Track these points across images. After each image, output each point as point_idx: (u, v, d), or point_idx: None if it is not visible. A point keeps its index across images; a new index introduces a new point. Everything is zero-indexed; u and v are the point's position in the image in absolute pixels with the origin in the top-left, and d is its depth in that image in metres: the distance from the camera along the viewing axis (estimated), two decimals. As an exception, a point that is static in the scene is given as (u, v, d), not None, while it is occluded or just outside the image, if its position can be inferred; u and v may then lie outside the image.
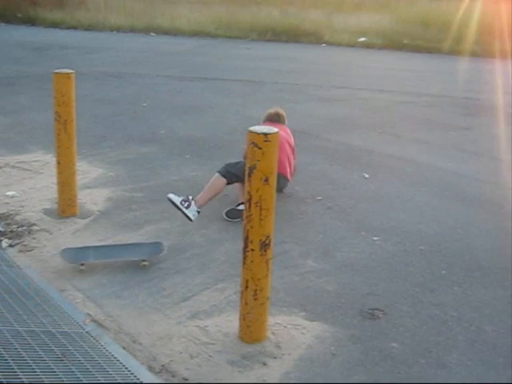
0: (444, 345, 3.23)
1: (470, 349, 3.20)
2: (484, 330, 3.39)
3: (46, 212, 4.87)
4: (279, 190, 5.09)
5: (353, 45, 18.87)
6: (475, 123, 8.96)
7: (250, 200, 2.84)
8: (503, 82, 12.53)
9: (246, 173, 2.83)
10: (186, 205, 4.66)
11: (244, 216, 2.92)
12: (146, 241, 4.34)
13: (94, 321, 3.32)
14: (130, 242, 4.34)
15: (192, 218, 4.64)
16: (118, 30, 20.71)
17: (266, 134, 2.75)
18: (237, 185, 5.07)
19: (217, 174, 4.93)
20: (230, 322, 3.32)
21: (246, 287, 3.02)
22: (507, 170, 6.58)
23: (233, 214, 4.91)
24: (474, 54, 16.70)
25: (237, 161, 5.06)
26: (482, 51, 16.93)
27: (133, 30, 20.61)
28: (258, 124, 2.84)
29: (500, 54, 16.42)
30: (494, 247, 4.54)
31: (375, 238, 4.58)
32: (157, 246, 4.16)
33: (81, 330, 3.20)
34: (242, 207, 4.77)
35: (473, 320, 3.49)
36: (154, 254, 4.07)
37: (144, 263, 3.97)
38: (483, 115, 9.55)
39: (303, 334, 3.27)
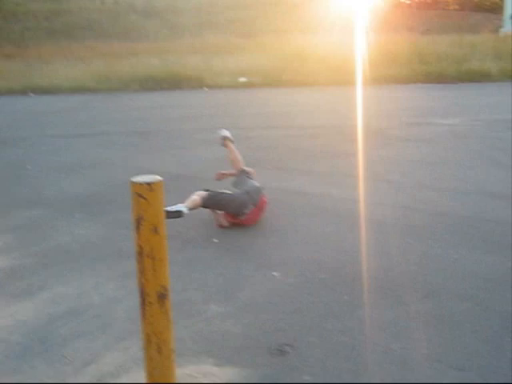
0: (355, 370, 3.25)
1: (380, 370, 3.24)
2: (391, 349, 3.45)
3: None
4: None
5: (234, 86, 19.20)
6: (359, 148, 9.26)
7: (141, 252, 2.77)
8: (379, 107, 13.08)
9: (134, 225, 2.76)
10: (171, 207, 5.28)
11: (137, 269, 2.84)
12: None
13: (-9, 402, 3.12)
14: (21, 312, 4.13)
15: (185, 210, 5.38)
16: (-6, 93, 20.11)
17: (149, 184, 2.69)
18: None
19: (200, 192, 5.66)
20: (138, 380, 3.20)
21: (149, 342, 2.92)
22: (393, 190, 6.81)
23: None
24: (351, 83, 17.38)
25: (221, 191, 5.77)
26: (356, 80, 17.66)
27: (10, 92, 20.04)
28: (147, 174, 2.79)
29: (372, 80, 17.19)
30: (391, 265, 4.65)
31: (275, 273, 4.59)
32: None
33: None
34: (176, 208, 5.39)
35: (379, 341, 3.54)
36: None
37: None
38: (365, 140, 9.90)
39: (214, 381, 3.20)
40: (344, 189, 6.97)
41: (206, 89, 19.24)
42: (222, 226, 5.75)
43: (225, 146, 6.55)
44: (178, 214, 5.41)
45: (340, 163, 8.34)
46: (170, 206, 5.28)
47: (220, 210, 5.80)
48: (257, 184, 6.04)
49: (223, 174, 6.51)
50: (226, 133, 6.59)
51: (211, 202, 5.73)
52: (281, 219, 5.91)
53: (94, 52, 26.51)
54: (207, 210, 5.83)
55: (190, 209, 5.53)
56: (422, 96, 16.33)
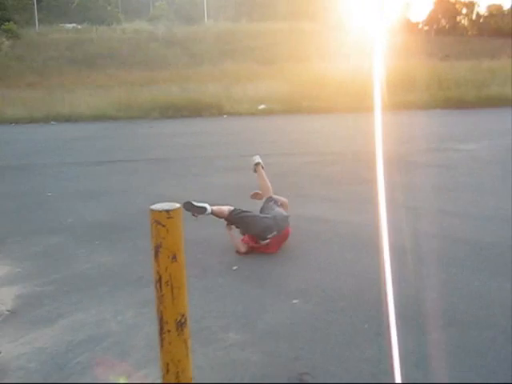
0: (375, 400, 3.20)
1: (401, 400, 3.19)
2: (414, 379, 3.39)
3: (-49, 319, 4.59)
4: None
5: (253, 113, 19.30)
6: (378, 175, 9.21)
7: (159, 280, 2.76)
8: (398, 133, 13.05)
9: (153, 253, 2.76)
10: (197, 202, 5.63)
11: (155, 297, 2.83)
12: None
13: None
14: (40, 339, 4.13)
15: (209, 209, 5.66)
16: (17, 121, 20.36)
17: (168, 211, 2.70)
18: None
19: (230, 208, 5.82)
20: (156, 409, 3.18)
21: (168, 371, 2.89)
22: (414, 217, 6.76)
23: (187, 206, 5.53)
24: (369, 109, 17.34)
25: (249, 211, 5.84)
26: (376, 105, 17.63)
27: (32, 120, 20.31)
28: (167, 201, 2.80)
29: (391, 106, 17.16)
30: (412, 293, 4.60)
31: (295, 301, 4.55)
32: None
33: None
34: (202, 204, 5.69)
35: (401, 370, 3.48)
36: None
37: None
38: (385, 166, 9.84)
39: (233, 410, 3.17)
40: (364, 215, 6.93)
41: (226, 116, 19.35)
42: (240, 252, 5.74)
43: (256, 171, 6.55)
44: (201, 210, 5.60)
45: (359, 189, 8.31)
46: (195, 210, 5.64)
47: (243, 228, 5.80)
48: (285, 213, 6.00)
49: (257, 194, 6.52)
50: (258, 159, 6.60)
51: (237, 218, 5.77)
52: (300, 246, 5.88)
53: (115, 80, 26.88)
54: (228, 235, 5.85)
55: (214, 213, 5.73)
56: (442, 121, 16.28)
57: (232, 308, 4.51)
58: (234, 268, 5.38)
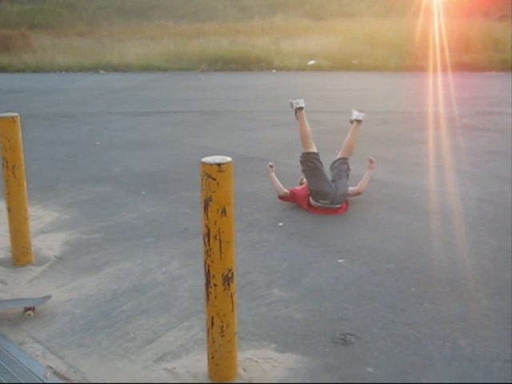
0: (420, 365, 3.15)
1: (447, 366, 3.13)
2: (459, 345, 3.32)
3: (0, 262, 4.67)
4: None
5: (303, 68, 19.06)
6: (429, 136, 9.04)
7: (208, 233, 2.73)
8: (450, 94, 12.72)
9: (202, 206, 2.72)
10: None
11: (203, 251, 2.81)
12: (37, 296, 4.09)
13: (55, 373, 3.15)
14: (86, 286, 4.18)
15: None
16: (67, 70, 20.53)
17: (219, 164, 2.65)
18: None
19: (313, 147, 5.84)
20: (199, 361, 3.18)
21: (212, 324, 2.90)
22: (464, 181, 6.61)
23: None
24: (421, 69, 16.98)
25: (321, 169, 5.72)
26: (428, 66, 17.23)
27: (82, 69, 20.45)
28: (214, 154, 2.75)
29: (443, 67, 16.73)
30: (460, 258, 4.50)
31: (340, 261, 4.50)
32: (42, 299, 3.96)
33: (42, 385, 3.04)
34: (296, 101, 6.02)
35: (447, 336, 3.42)
36: (39, 304, 3.88)
37: (29, 313, 3.77)
38: (436, 128, 9.65)
39: (275, 367, 3.15)
40: (412, 177, 6.80)
41: (274, 71, 19.15)
42: (279, 197, 5.80)
43: (298, 117, 5.99)
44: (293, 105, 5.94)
45: (409, 151, 8.15)
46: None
47: (304, 173, 5.78)
48: (347, 190, 5.74)
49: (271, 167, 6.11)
50: (302, 103, 6.02)
51: (307, 159, 5.74)
52: (349, 206, 5.79)
53: (164, 31, 26.71)
54: (273, 188, 5.89)
55: (300, 123, 5.89)
56: (496, 84, 15.79)
57: (277, 264, 4.48)
58: (280, 224, 5.35)
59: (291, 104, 6.05)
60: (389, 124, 10.13)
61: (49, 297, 3.97)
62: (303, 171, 5.80)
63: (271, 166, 6.03)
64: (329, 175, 5.77)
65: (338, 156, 6.02)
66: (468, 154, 7.91)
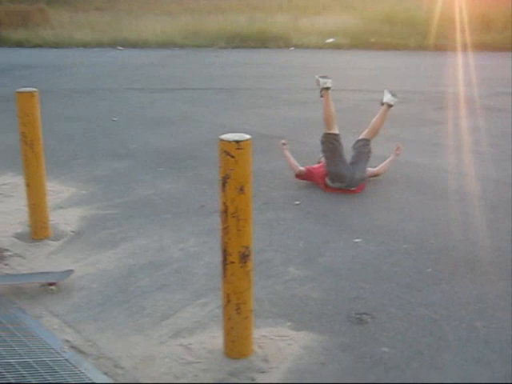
0: (436, 346, 3.14)
1: (463, 348, 3.12)
2: (475, 327, 3.31)
3: (18, 236, 4.70)
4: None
5: (321, 46, 18.90)
6: (447, 117, 8.95)
7: (225, 211, 2.73)
8: (470, 74, 12.57)
9: (220, 184, 2.72)
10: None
11: (220, 228, 2.81)
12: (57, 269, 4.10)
13: (72, 347, 3.18)
14: (103, 261, 4.21)
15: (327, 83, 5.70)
16: (85, 45, 20.51)
17: (237, 142, 2.64)
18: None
19: (335, 128, 5.69)
20: (215, 338, 3.20)
21: (228, 301, 2.90)
22: (483, 162, 6.55)
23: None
24: (440, 48, 16.78)
25: (340, 151, 5.65)
26: (447, 45, 17.01)
27: (99, 44, 20.42)
28: (231, 132, 2.74)
29: (463, 46, 16.50)
30: (478, 240, 4.47)
31: (357, 240, 4.49)
32: (65, 273, 3.98)
33: (59, 358, 3.07)
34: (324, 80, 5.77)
35: (463, 317, 3.41)
36: (62, 279, 3.90)
37: (52, 287, 3.80)
38: (455, 108, 9.55)
39: (290, 344, 3.16)
40: (430, 157, 6.75)
41: (293, 48, 19.02)
42: (295, 175, 5.79)
43: (323, 97, 5.76)
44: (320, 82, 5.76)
45: (428, 131, 8.09)
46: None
47: (324, 154, 5.70)
48: (364, 174, 5.70)
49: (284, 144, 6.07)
50: (330, 83, 5.78)
51: (328, 140, 5.65)
52: (366, 186, 5.76)
53: (182, 7, 26.55)
54: (289, 167, 5.85)
55: (325, 103, 5.69)
56: (517, 65, 15.57)
57: (293, 243, 4.48)
58: (297, 203, 5.33)
59: (318, 81, 5.79)
60: (406, 103, 10.02)
61: (71, 271, 3.99)
62: (322, 151, 5.72)
63: (284, 144, 5.99)
64: (349, 155, 5.72)
65: (362, 136, 5.94)
66: (487, 135, 7.82)
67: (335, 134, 5.66)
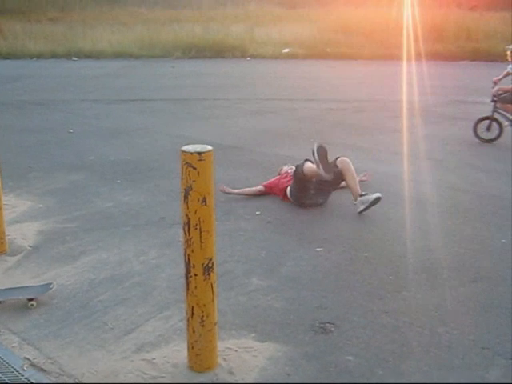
0: (399, 352, 3.16)
1: (426, 354, 3.15)
2: (437, 333, 3.35)
3: (-27, 252, 4.59)
4: None
5: (277, 56, 19.01)
6: (404, 125, 9.08)
7: (188, 223, 2.71)
8: (424, 83, 12.78)
9: (182, 196, 2.69)
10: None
11: (183, 240, 2.78)
12: (36, 284, 4.01)
13: (32, 365, 3.11)
14: (62, 276, 4.13)
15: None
16: (39, 56, 20.18)
17: (199, 153, 2.63)
18: None
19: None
20: (178, 351, 3.16)
21: (192, 314, 2.88)
22: (439, 169, 6.65)
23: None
24: (395, 58, 17.02)
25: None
26: (402, 55, 17.27)
27: (54, 55, 20.14)
28: (189, 143, 2.72)
29: (417, 56, 16.78)
30: (437, 247, 4.54)
31: (318, 249, 4.50)
32: (45, 287, 3.90)
33: (20, 377, 2.99)
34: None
35: (425, 324, 3.45)
36: (42, 293, 3.82)
37: (32, 303, 3.72)
38: (411, 117, 9.70)
39: (255, 356, 3.14)
40: (388, 165, 6.83)
41: (249, 58, 19.08)
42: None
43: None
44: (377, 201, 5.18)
45: (385, 139, 8.18)
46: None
47: (293, 179, 5.52)
48: (327, 197, 5.59)
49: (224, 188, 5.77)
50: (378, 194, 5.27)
51: (304, 179, 5.37)
52: (324, 194, 5.79)
53: (137, 18, 26.44)
54: (248, 196, 5.79)
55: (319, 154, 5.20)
56: (469, 74, 15.87)
57: (254, 253, 4.47)
58: (257, 213, 5.33)
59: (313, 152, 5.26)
60: (363, 112, 10.16)
61: (51, 284, 3.89)
62: (294, 175, 5.53)
63: (223, 189, 5.68)
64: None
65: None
66: (443, 143, 7.96)
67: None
